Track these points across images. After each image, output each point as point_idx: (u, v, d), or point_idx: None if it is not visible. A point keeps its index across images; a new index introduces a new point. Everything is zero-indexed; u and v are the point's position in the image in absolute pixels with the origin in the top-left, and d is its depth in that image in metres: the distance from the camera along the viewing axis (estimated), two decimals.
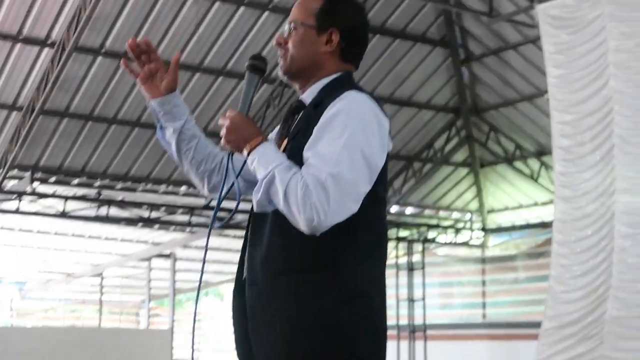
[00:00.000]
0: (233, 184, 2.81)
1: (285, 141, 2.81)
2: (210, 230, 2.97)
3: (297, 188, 2.55)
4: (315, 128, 2.66)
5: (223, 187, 2.87)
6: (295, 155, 2.67)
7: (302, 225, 2.56)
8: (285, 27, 2.88)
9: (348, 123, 2.62)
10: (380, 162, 2.68)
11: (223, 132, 2.74)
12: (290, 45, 2.84)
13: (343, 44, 2.83)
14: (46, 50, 12.53)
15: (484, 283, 18.90)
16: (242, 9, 12.90)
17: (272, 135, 2.99)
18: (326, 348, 2.64)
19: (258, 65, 2.85)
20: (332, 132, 2.61)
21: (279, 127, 2.97)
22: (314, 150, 2.61)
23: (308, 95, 2.86)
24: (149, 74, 2.97)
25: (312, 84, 2.85)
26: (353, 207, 2.58)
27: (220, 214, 2.91)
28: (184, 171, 3.05)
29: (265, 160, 2.64)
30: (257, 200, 2.64)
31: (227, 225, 16.07)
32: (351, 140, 2.59)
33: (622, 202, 10.48)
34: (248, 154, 2.69)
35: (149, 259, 18.84)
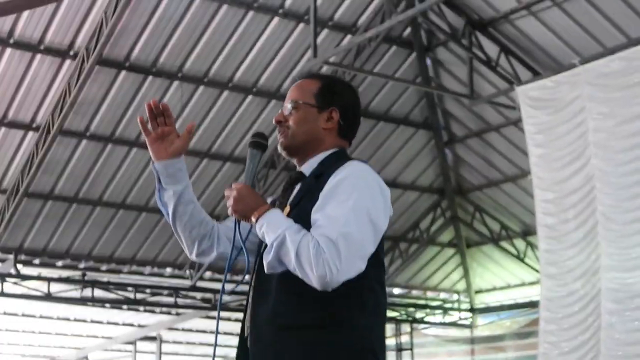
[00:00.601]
0: (241, 249, 2.93)
1: (288, 208, 2.93)
2: (221, 295, 3.14)
3: (308, 247, 2.66)
4: (322, 194, 2.80)
5: (232, 252, 2.99)
6: (300, 220, 2.78)
7: (314, 281, 2.67)
8: (288, 106, 3.02)
9: (354, 188, 2.77)
10: (384, 225, 2.82)
11: (230, 202, 2.87)
12: (291, 122, 3.00)
13: (341, 121, 3.00)
14: (31, 133, 12.63)
15: None
16: (225, 92, 13.03)
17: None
18: None
19: (260, 142, 3.01)
20: (340, 196, 2.76)
21: (273, 198, 3.13)
22: (322, 213, 2.75)
23: (307, 168, 3.00)
24: (162, 135, 3.05)
25: (311, 157, 3.00)
26: (362, 265, 2.71)
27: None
28: (174, 233, 3.13)
29: (274, 224, 2.76)
30: (268, 261, 2.75)
31: (214, 306, 16.06)
32: (358, 203, 2.73)
33: (607, 278, 10.49)
34: (256, 221, 2.80)
35: (134, 342, 18.66)
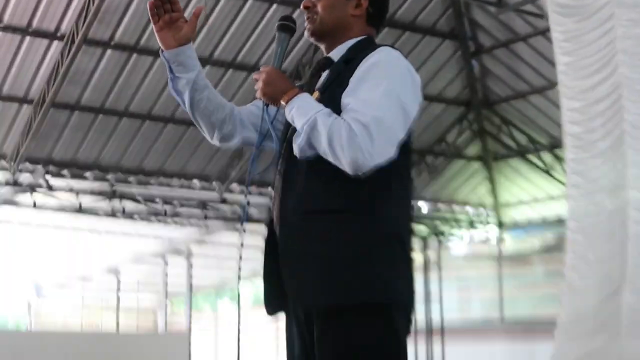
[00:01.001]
0: (266, 134, 2.95)
1: (317, 93, 2.90)
2: (249, 176, 3.07)
3: (341, 130, 2.66)
4: (353, 78, 2.79)
5: (261, 135, 2.98)
6: (329, 105, 2.77)
7: (346, 165, 2.67)
8: None
9: (386, 73, 2.77)
10: (414, 112, 2.80)
11: (259, 85, 2.86)
12: (319, 8, 2.98)
13: (370, 8, 2.99)
14: (55, 43, 12.60)
15: (500, 279, 18.78)
16: (250, 1, 12.90)
17: None
18: (364, 283, 2.72)
19: (288, 25, 2.99)
20: (372, 81, 2.75)
21: (300, 84, 3.06)
22: (354, 97, 2.74)
23: (336, 54, 2.97)
24: (169, 22, 2.98)
25: (340, 44, 2.98)
26: (392, 150, 2.70)
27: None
28: (193, 120, 3.12)
29: (305, 108, 2.76)
30: (299, 144, 2.75)
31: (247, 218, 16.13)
32: (390, 88, 2.73)
33: (634, 187, 10.38)
34: (286, 104, 2.80)
35: (164, 256, 18.88)
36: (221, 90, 13.96)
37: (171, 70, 3.04)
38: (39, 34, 12.44)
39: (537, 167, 16.90)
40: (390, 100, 2.72)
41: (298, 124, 2.76)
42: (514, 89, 15.83)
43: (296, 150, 2.78)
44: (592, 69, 10.87)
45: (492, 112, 16.68)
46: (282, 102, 2.82)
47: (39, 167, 14.39)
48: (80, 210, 15.02)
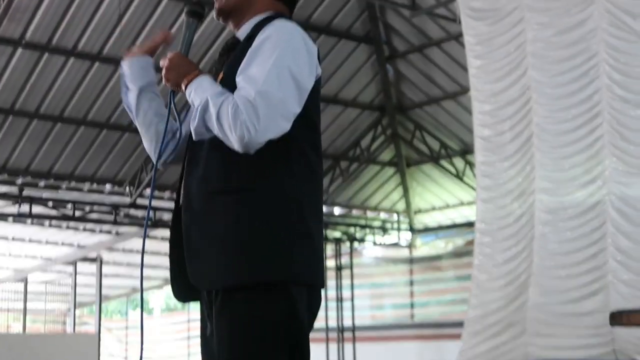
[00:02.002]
0: (176, 121, 2.92)
1: (222, 75, 2.86)
2: (154, 175, 3.00)
3: (227, 109, 2.63)
4: (247, 55, 2.75)
5: (168, 123, 2.90)
6: (229, 84, 2.74)
7: (235, 143, 2.64)
8: None
9: (276, 46, 2.71)
10: (309, 84, 2.74)
11: (163, 72, 2.82)
12: None
13: None
14: None
15: (412, 283, 19.02)
16: (165, 0, 12.81)
17: None
18: (261, 262, 2.70)
19: (196, 10, 2.96)
20: (262, 56, 2.70)
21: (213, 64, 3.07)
22: (244, 74, 2.70)
23: (242, 32, 2.93)
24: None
25: (246, 21, 2.93)
26: (284, 124, 2.66)
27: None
28: (141, 135, 3.05)
29: (201, 90, 2.72)
30: (194, 127, 2.73)
31: (154, 224, 15.99)
32: (279, 61, 2.68)
33: (541, 189, 10.62)
34: (185, 88, 2.76)
35: (74, 263, 18.55)
36: None
37: (125, 83, 3.04)
38: None
39: (449, 172, 17.14)
40: (280, 73, 2.67)
41: (195, 106, 2.74)
42: (428, 94, 16.04)
43: (193, 133, 2.77)
44: (502, 72, 11.10)
45: (405, 118, 16.86)
46: (183, 86, 2.79)
47: None
48: None
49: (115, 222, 16.09)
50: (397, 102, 16.58)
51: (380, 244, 19.24)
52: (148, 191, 15.87)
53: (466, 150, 16.23)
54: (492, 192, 11.18)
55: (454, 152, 16.81)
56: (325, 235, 18.23)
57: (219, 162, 2.76)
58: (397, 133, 17.02)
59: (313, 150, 2.85)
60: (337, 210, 18.72)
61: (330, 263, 18.39)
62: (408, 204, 18.52)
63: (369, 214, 19.00)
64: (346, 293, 17.93)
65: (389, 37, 15.31)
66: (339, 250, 18.30)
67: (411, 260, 19.22)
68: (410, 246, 19.16)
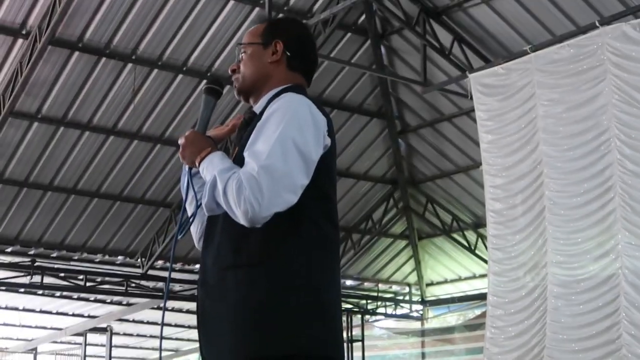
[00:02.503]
0: (194, 197, 2.94)
1: (237, 149, 2.91)
2: (175, 241, 3.03)
3: (232, 185, 2.64)
4: (255, 130, 2.79)
5: (185, 200, 2.97)
6: (241, 160, 2.76)
7: (240, 218, 2.65)
8: (237, 54, 3.05)
9: (282, 119, 2.73)
10: (316, 155, 2.75)
11: (180, 150, 2.89)
12: (242, 66, 3.02)
13: (288, 52, 2.99)
14: None
15: (423, 356, 18.87)
16: (180, 76, 12.99)
17: None
18: (272, 337, 2.70)
19: (214, 88, 3.03)
20: (267, 130, 2.73)
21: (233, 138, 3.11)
22: (250, 149, 2.73)
23: (259, 107, 2.96)
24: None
25: (263, 96, 2.97)
26: (289, 197, 2.67)
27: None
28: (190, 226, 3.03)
29: (211, 167, 2.75)
30: (205, 203, 2.75)
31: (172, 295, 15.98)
32: (284, 134, 2.69)
33: (553, 262, 10.61)
34: (199, 165, 2.81)
35: (84, 334, 18.49)
36: (149, 164, 13.95)
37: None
38: None
39: (462, 245, 17.11)
40: (284, 146, 2.68)
41: (206, 182, 2.78)
42: (439, 168, 16.11)
43: (204, 209, 2.78)
44: (514, 146, 11.18)
45: (417, 191, 16.91)
46: (196, 163, 2.83)
47: None
48: None
49: (126, 293, 16.09)
50: (409, 175, 16.65)
51: (392, 316, 19.15)
52: (159, 263, 15.92)
53: (478, 223, 16.23)
54: (504, 265, 11.18)
55: (466, 225, 16.81)
56: None
57: (231, 237, 2.78)
58: (409, 206, 17.06)
59: (327, 220, 2.85)
60: (349, 283, 18.68)
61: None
62: (420, 276, 18.47)
63: (381, 286, 18.94)
64: None
65: (400, 111, 15.45)
66: (351, 322, 18.20)
67: (423, 333, 19.11)
68: (422, 318, 19.06)
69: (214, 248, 2.84)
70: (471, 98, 11.93)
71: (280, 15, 12.59)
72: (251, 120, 2.95)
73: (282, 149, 2.67)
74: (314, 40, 3.18)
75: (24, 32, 11.66)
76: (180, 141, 2.90)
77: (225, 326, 2.75)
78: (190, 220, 2.96)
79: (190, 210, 3.01)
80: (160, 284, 16.30)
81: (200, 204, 2.85)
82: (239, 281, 2.74)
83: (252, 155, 2.70)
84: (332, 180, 2.91)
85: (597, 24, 10.45)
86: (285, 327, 2.69)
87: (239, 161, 2.78)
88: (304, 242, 2.76)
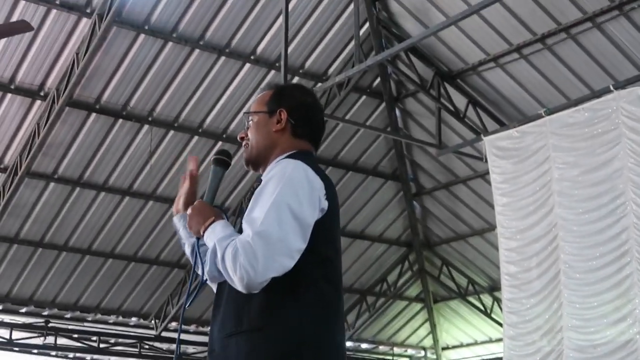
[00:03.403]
0: (201, 266, 2.96)
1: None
2: (183, 311, 3.44)
3: (229, 251, 2.70)
4: (253, 197, 2.85)
5: (194, 269, 3.00)
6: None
7: (237, 285, 2.71)
8: (244, 122, 3.14)
9: (277, 185, 2.78)
10: (311, 219, 2.78)
11: (187, 220, 2.96)
12: (249, 134, 3.08)
13: (292, 120, 3.03)
14: None
15: None
16: (195, 138, 13.07)
17: None
18: None
19: (223, 160, 3.09)
20: (264, 197, 2.79)
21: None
22: (247, 217, 2.78)
23: (265, 175, 2.99)
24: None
25: (270, 163, 3.02)
26: (285, 262, 2.70)
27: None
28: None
29: (213, 235, 2.81)
30: (207, 270, 2.86)
31: (178, 358, 15.89)
32: (279, 199, 2.74)
33: (569, 327, 10.52)
34: (203, 234, 2.87)
35: None
36: (164, 225, 13.97)
37: (180, 237, 3.15)
38: None
39: (477, 309, 16.98)
40: (279, 211, 2.72)
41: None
42: (454, 231, 16.06)
43: (207, 277, 2.88)
44: (529, 209, 11.16)
45: (432, 254, 16.85)
46: (201, 232, 2.88)
47: None
48: (11, 343, 14.62)
49: (139, 355, 16.00)
50: (424, 238, 16.61)
51: None
52: (173, 324, 15.86)
53: (494, 287, 16.11)
54: (519, 329, 11.09)
55: (482, 289, 16.70)
56: None
57: (234, 305, 2.83)
58: (424, 269, 16.98)
59: (326, 282, 2.86)
60: (364, 346, 18.52)
61: None
62: (435, 340, 18.29)
63: (396, 349, 18.76)
64: None
65: (415, 174, 15.47)
66: None
67: None
68: None
69: (219, 316, 2.89)
70: (486, 161, 11.96)
71: (296, 78, 12.71)
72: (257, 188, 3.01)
73: (277, 214, 2.71)
74: (320, 105, 3.22)
75: (42, 93, 11.79)
76: (188, 211, 2.96)
77: None
78: (197, 290, 2.99)
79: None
80: (174, 346, 16.23)
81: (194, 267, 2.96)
82: (240, 348, 2.77)
83: (248, 222, 2.75)
84: (333, 242, 2.93)
85: (612, 87, 10.51)
86: None
87: (241, 228, 2.83)
88: (303, 306, 2.79)
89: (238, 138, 3.13)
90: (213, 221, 2.86)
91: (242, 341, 2.76)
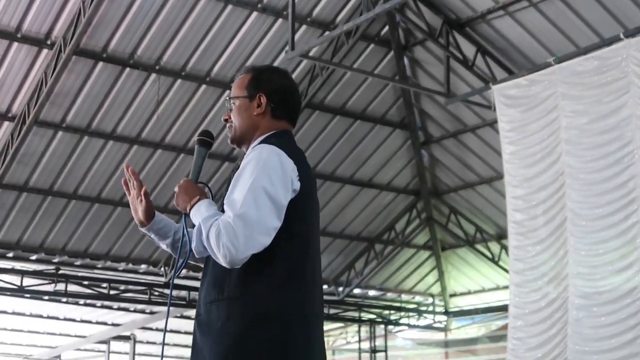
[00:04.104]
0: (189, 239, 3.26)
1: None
2: (172, 280, 3.57)
3: (213, 231, 3.03)
4: (232, 180, 3.17)
5: (182, 242, 3.31)
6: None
7: (221, 261, 3.04)
8: (226, 105, 3.42)
9: (254, 170, 3.09)
10: (285, 200, 3.10)
11: (175, 197, 3.27)
12: (232, 117, 3.36)
13: (272, 104, 3.33)
14: (6, 123, 12.61)
15: None
16: (203, 87, 13.06)
17: None
18: None
19: (206, 140, 3.38)
20: (242, 180, 3.09)
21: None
22: (228, 199, 3.10)
23: (245, 157, 3.27)
24: (143, 194, 3.39)
25: (253, 143, 3.33)
26: (263, 239, 3.03)
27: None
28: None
29: (198, 214, 3.13)
30: (194, 247, 3.15)
31: (188, 304, 16.08)
32: (256, 183, 3.05)
33: (574, 274, 10.57)
34: (189, 211, 3.18)
35: (107, 341, 18.57)
36: (172, 174, 14.03)
37: (152, 238, 3.49)
38: None
39: (485, 256, 17.04)
40: (256, 194, 3.02)
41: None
42: (462, 179, 16.07)
43: (194, 252, 3.17)
44: (536, 157, 11.15)
45: (440, 202, 16.88)
46: (187, 210, 3.18)
47: None
48: (22, 290, 14.77)
49: (149, 302, 16.15)
50: (432, 186, 16.63)
51: (415, 327, 19.10)
52: (182, 271, 15.95)
53: (501, 235, 16.13)
54: (525, 276, 11.14)
55: (490, 236, 16.75)
56: (359, 317, 18.20)
57: (216, 275, 3.15)
58: (432, 217, 17.02)
59: (298, 257, 3.18)
60: (371, 293, 18.67)
61: (364, 345, 18.28)
62: (443, 287, 18.42)
63: (404, 296, 18.92)
64: None
65: (423, 123, 15.44)
66: (374, 333, 18.18)
67: (446, 344, 19.04)
68: (446, 329, 18.99)
69: (204, 286, 3.21)
70: (494, 109, 11.92)
71: (303, 27, 12.64)
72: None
73: (254, 197, 3.02)
74: (296, 86, 3.49)
75: (48, 42, 11.76)
76: (175, 189, 3.26)
77: (210, 354, 3.09)
78: (183, 264, 3.31)
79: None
80: (184, 293, 16.37)
81: (182, 249, 3.28)
82: (220, 314, 3.10)
83: (229, 204, 3.05)
84: (305, 220, 3.22)
85: (622, 36, 10.42)
86: (253, 357, 3.04)
87: (223, 206, 3.13)
88: (277, 278, 3.10)
89: (222, 119, 3.40)
90: (198, 200, 3.17)
91: (222, 307, 3.09)
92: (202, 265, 3.28)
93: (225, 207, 3.07)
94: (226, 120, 3.38)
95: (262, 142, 3.25)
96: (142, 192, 3.34)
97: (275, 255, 3.08)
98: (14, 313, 17.55)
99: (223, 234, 2.97)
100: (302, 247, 3.19)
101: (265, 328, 3.06)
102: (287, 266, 3.12)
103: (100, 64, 12.24)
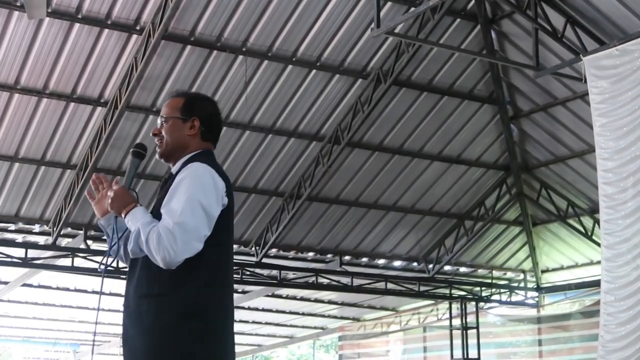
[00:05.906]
0: (119, 238, 3.69)
1: (156, 202, 3.70)
2: (105, 268, 3.86)
3: (153, 236, 3.41)
4: (169, 190, 3.56)
5: (112, 240, 3.71)
6: (159, 213, 3.53)
7: (159, 262, 3.42)
8: (158, 121, 3.80)
9: (190, 184, 3.50)
10: (216, 212, 3.52)
11: (108, 201, 3.64)
12: (164, 133, 3.76)
13: (202, 127, 3.76)
14: (99, 109, 12.87)
15: (540, 343, 18.63)
16: (289, 67, 13.13)
17: None
18: (171, 354, 3.44)
19: (139, 152, 3.80)
20: (179, 192, 3.50)
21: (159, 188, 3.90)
22: (166, 207, 3.50)
23: (175, 169, 3.75)
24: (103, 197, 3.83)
25: (180, 159, 3.75)
26: (197, 245, 3.44)
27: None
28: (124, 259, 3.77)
29: (135, 219, 3.53)
30: (130, 249, 3.52)
31: (279, 283, 16.24)
32: (192, 196, 3.47)
33: None
34: (124, 216, 3.58)
35: None
36: (261, 154, 14.16)
37: (107, 234, 3.80)
38: (83, 100, 12.73)
39: (577, 231, 16.79)
40: (193, 206, 3.43)
41: (131, 231, 3.53)
42: (553, 153, 15.84)
43: (130, 253, 3.55)
44: (626, 129, 10.93)
45: (531, 177, 16.68)
46: (122, 215, 3.57)
47: (80, 232, 14.61)
48: (119, 274, 15.06)
49: (241, 281, 16.37)
50: (522, 161, 16.43)
51: (506, 303, 18.97)
52: (273, 251, 16.19)
53: (594, 209, 15.86)
54: (615, 250, 10.94)
55: (582, 211, 16.50)
56: (450, 294, 18.14)
57: (147, 274, 3.54)
58: (523, 192, 16.83)
59: (220, 261, 3.59)
60: (462, 269, 18.59)
61: (456, 322, 18.23)
62: (535, 263, 18.24)
63: (495, 273, 18.79)
64: (472, 352, 17.66)
65: (512, 97, 15.24)
66: (465, 310, 18.11)
67: (539, 320, 18.86)
68: (538, 306, 18.81)
69: (134, 279, 3.59)
70: (585, 81, 11.68)
71: (388, 4, 12.58)
72: (168, 179, 3.72)
73: (191, 208, 3.43)
74: (220, 114, 3.90)
75: (138, 27, 11.96)
76: (110, 194, 3.63)
77: (138, 344, 3.48)
78: (109, 262, 3.74)
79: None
80: (275, 272, 16.55)
81: (115, 242, 3.66)
82: (150, 308, 3.48)
83: (167, 213, 3.45)
84: (227, 230, 3.64)
85: None
86: (177, 350, 3.42)
87: (156, 213, 3.53)
88: (201, 279, 3.50)
89: (151, 133, 3.78)
90: (133, 206, 3.56)
91: (153, 302, 3.48)
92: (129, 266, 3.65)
93: (163, 214, 3.46)
94: (155, 135, 3.76)
95: (190, 158, 3.66)
96: (114, 182, 3.71)
97: (202, 259, 3.46)
98: (110, 294, 17.92)
99: (164, 239, 3.36)
100: (225, 253, 3.63)
101: (192, 322, 3.43)
102: (211, 269, 3.52)
103: (188, 47, 12.40)
